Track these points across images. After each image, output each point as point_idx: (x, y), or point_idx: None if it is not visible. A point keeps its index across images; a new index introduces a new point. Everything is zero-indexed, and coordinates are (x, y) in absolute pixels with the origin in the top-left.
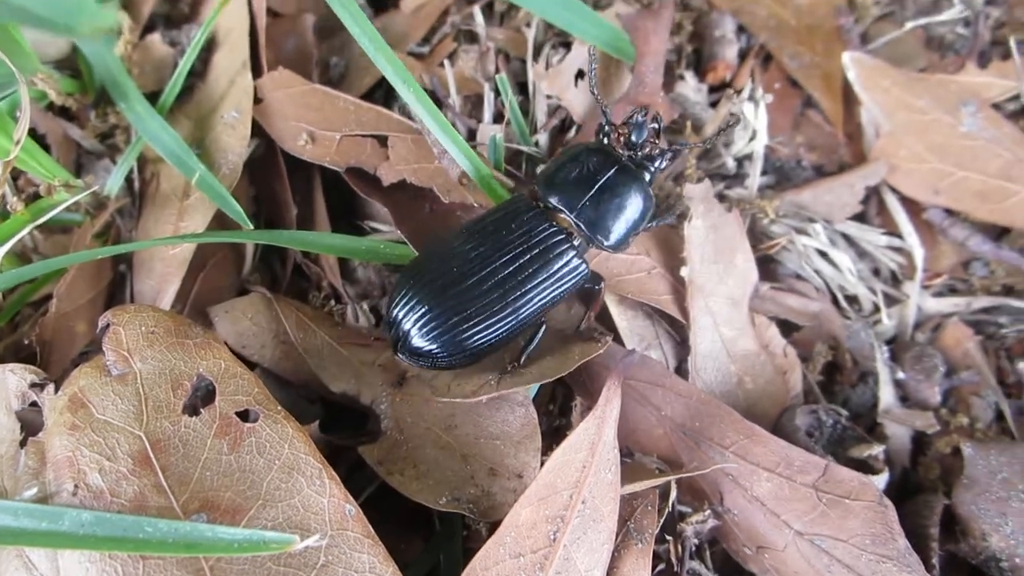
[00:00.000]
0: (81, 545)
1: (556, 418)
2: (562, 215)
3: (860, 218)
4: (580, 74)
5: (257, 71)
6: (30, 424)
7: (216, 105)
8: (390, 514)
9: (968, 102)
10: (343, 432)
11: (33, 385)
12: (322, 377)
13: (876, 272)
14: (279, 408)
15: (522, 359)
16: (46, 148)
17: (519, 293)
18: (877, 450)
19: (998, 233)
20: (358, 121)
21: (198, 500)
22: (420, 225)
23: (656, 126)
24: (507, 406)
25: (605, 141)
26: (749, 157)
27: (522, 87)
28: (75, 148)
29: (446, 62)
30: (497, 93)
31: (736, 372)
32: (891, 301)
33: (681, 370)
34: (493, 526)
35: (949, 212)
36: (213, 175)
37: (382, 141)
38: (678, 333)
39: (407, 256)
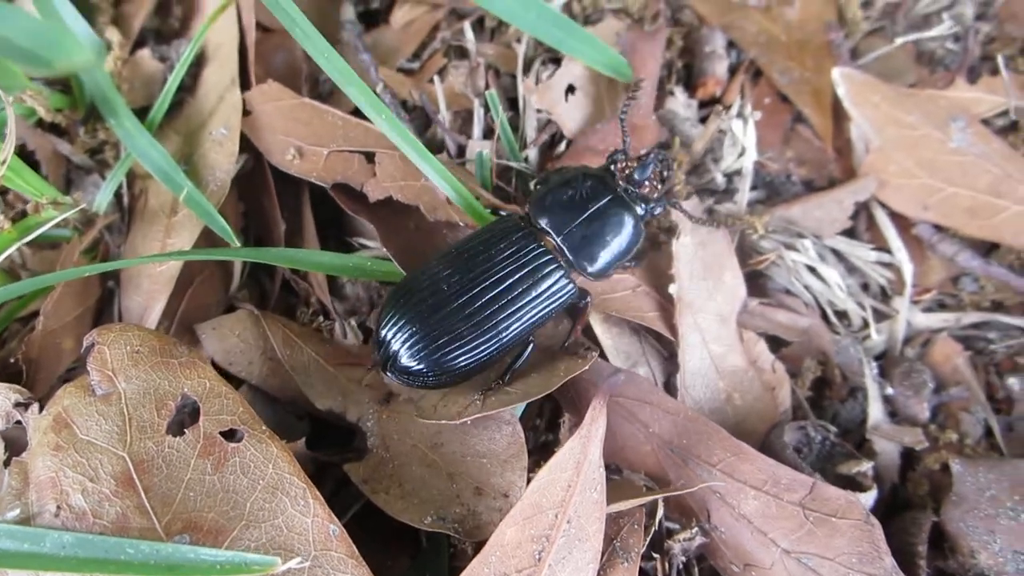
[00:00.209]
0: (62, 567)
1: (543, 434)
2: (549, 237)
3: (849, 233)
4: (570, 89)
5: (246, 86)
6: (14, 443)
7: (205, 121)
8: (377, 531)
9: (957, 117)
10: (330, 449)
11: (17, 404)
12: (308, 394)
13: (865, 287)
14: (264, 427)
15: (507, 377)
16: (35, 164)
17: (507, 313)
18: (866, 466)
19: (987, 249)
20: (346, 137)
21: (181, 521)
22: (406, 242)
23: (666, 172)
24: (494, 424)
25: (611, 168)
26: (739, 172)
27: (512, 103)
28: (64, 163)
29: (436, 78)
30: (487, 109)
31: (724, 388)
32: (880, 316)
33: (669, 386)
34: (479, 545)
35: (938, 228)
36: (201, 192)
37: (369, 157)
38: (665, 349)
39: (394, 273)
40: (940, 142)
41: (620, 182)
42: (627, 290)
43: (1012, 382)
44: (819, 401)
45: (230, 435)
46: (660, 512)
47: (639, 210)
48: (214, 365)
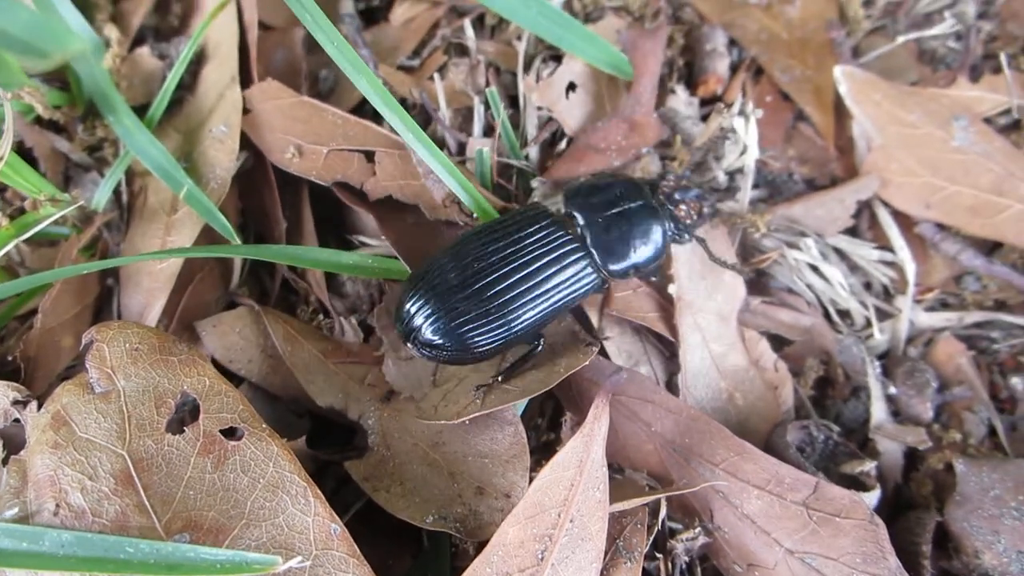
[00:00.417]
0: (61, 566)
1: (545, 433)
2: (577, 226)
3: (852, 232)
4: (571, 87)
5: (247, 84)
6: (12, 441)
7: (205, 119)
8: (379, 529)
9: (960, 116)
10: (331, 447)
11: (16, 402)
12: (309, 391)
13: (868, 286)
14: (264, 425)
15: (510, 371)
16: (33, 161)
17: (530, 297)
18: (869, 466)
19: (990, 248)
20: (345, 135)
21: (181, 520)
22: (404, 235)
23: (705, 210)
24: (495, 424)
25: (657, 182)
26: (740, 171)
27: (513, 100)
28: (63, 161)
29: (436, 75)
30: (487, 106)
31: (726, 388)
32: (883, 315)
33: (671, 385)
34: (480, 545)
35: (941, 226)
36: (201, 189)
37: (369, 156)
38: (667, 348)
39: (394, 270)
40: (942, 141)
41: (660, 195)
42: (628, 290)
43: (1015, 381)
44: (822, 400)
45: (230, 433)
46: (663, 512)
47: (667, 225)
48: (214, 362)
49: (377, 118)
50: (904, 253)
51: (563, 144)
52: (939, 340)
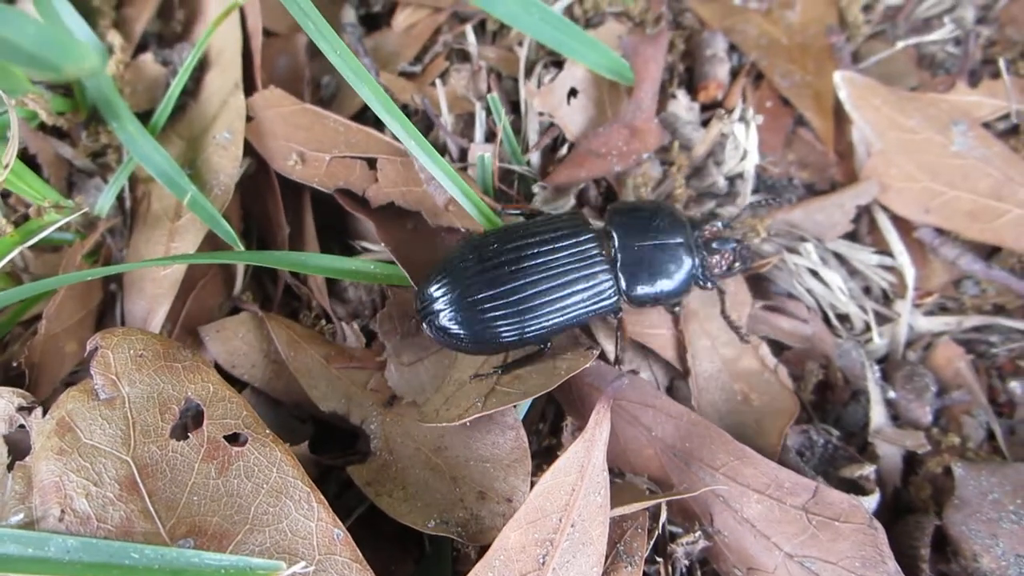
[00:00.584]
0: (67, 572)
1: (546, 438)
2: (612, 247)
3: (851, 237)
4: (572, 92)
5: (251, 91)
6: (17, 448)
7: (208, 125)
8: (381, 534)
9: (959, 121)
10: (334, 451)
11: (20, 408)
12: (312, 396)
13: (867, 291)
14: (267, 431)
15: (511, 367)
16: (37, 167)
17: (552, 304)
18: (868, 470)
19: (989, 252)
20: (348, 142)
21: (185, 525)
22: (404, 241)
23: (738, 265)
24: (497, 428)
25: (701, 224)
26: (740, 176)
27: (514, 106)
28: (67, 167)
29: (438, 81)
30: (489, 112)
31: (741, 390)
32: (882, 320)
33: (672, 390)
34: (482, 549)
35: (940, 231)
36: (204, 196)
37: (371, 163)
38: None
39: (396, 276)
40: (941, 146)
41: (699, 238)
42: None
43: (1014, 385)
44: (821, 404)
45: (234, 439)
46: (663, 516)
47: (697, 269)
48: (217, 368)
49: (379, 125)
50: (903, 258)
51: (564, 150)
52: (938, 344)
